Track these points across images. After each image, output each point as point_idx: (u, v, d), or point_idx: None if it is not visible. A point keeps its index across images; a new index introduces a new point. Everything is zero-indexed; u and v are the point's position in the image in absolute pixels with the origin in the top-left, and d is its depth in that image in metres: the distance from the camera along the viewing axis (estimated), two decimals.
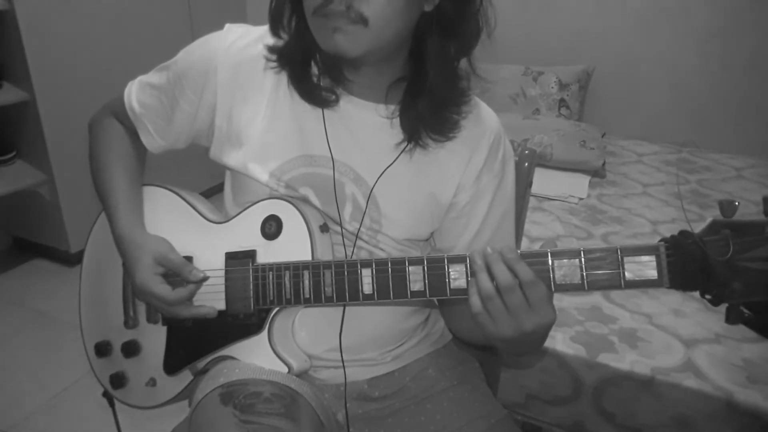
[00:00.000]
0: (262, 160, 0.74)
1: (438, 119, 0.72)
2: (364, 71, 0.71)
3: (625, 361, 1.15)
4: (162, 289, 0.73)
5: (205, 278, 0.75)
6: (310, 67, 0.72)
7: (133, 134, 0.84)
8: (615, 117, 2.67)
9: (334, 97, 0.72)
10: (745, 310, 0.56)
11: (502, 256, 0.59)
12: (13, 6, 1.85)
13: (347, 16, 0.61)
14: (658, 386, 1.11)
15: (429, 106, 0.70)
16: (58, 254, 2.26)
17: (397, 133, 0.73)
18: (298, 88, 0.72)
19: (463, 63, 0.72)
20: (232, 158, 0.76)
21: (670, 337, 1.22)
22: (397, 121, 0.73)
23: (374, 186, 0.74)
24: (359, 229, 0.76)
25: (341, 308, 0.77)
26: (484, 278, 0.59)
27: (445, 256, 0.63)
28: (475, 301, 0.60)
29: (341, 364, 0.79)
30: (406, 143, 0.73)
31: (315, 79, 0.72)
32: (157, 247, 0.76)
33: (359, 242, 0.77)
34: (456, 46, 0.69)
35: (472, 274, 0.61)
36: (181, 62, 0.76)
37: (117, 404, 0.88)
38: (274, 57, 0.72)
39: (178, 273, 0.74)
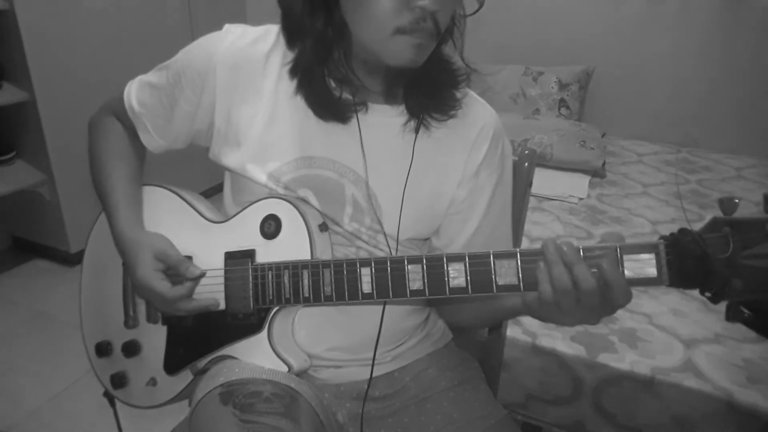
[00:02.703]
0: (261, 161, 0.74)
1: (438, 98, 0.73)
2: (378, 77, 0.72)
3: (625, 361, 1.15)
4: (162, 285, 0.73)
5: (203, 274, 0.75)
6: (327, 83, 0.71)
7: (132, 133, 0.83)
8: (615, 117, 2.67)
9: (363, 108, 0.73)
10: (745, 310, 0.56)
11: (585, 255, 0.57)
12: (13, 6, 1.85)
13: (433, 32, 0.63)
14: (658, 386, 1.11)
15: (428, 88, 0.72)
16: (58, 254, 2.26)
17: (399, 122, 0.74)
18: (320, 106, 0.71)
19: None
20: (230, 159, 0.76)
21: (670, 337, 1.22)
22: (400, 119, 0.74)
23: (368, 181, 0.74)
24: (359, 230, 0.76)
25: (342, 308, 0.77)
26: (560, 271, 0.56)
27: (444, 254, 0.63)
28: (546, 290, 0.57)
29: (341, 363, 0.79)
30: (408, 121, 0.74)
31: (337, 93, 0.71)
32: (157, 243, 0.76)
33: (359, 242, 0.77)
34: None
35: (527, 265, 0.58)
36: (180, 62, 0.76)
37: (117, 404, 0.88)
38: (296, 77, 0.71)
39: (176, 269, 0.74)
